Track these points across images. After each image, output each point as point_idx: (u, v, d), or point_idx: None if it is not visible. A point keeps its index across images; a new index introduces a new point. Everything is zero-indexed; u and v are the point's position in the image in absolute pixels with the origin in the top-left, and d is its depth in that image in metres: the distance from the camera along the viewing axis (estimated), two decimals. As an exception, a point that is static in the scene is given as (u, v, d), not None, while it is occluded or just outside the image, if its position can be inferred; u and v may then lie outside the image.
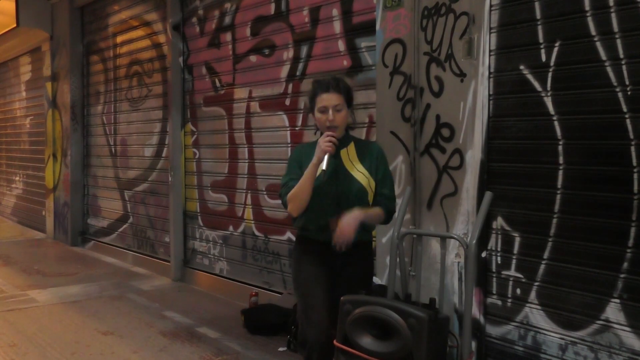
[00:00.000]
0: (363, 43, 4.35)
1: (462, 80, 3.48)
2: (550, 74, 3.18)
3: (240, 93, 5.61)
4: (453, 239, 3.36)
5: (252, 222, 5.49)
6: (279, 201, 5.08)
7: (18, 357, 4.03)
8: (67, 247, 8.57)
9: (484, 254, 3.49)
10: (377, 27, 3.98)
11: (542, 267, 3.25)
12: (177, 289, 6.04)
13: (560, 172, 3.17)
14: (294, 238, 4.99)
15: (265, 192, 5.34)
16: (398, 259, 3.20)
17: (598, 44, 2.99)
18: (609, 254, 2.98)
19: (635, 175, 2.89)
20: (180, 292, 5.91)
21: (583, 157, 3.08)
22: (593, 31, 3.01)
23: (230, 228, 5.76)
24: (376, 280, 3.78)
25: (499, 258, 3.46)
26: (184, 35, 6.34)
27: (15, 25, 8.71)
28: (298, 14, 4.93)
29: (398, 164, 3.83)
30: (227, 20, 5.72)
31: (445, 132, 3.57)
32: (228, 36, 5.71)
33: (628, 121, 2.90)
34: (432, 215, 3.66)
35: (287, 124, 5.08)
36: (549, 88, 3.19)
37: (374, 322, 2.82)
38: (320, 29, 4.74)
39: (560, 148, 3.16)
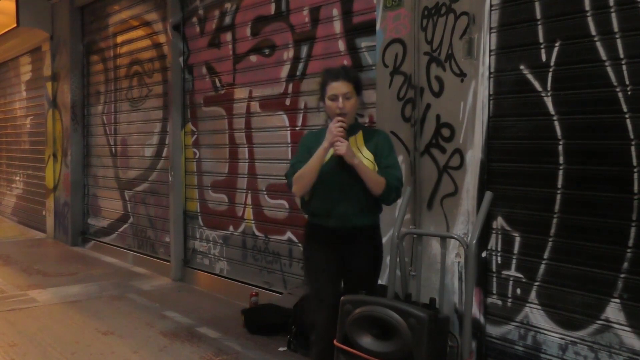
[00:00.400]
0: (363, 43, 4.35)
1: (462, 80, 3.48)
2: (550, 74, 3.18)
3: (240, 93, 5.61)
4: (453, 239, 3.36)
5: (253, 222, 5.49)
6: (279, 201, 5.18)
7: (18, 357, 4.03)
8: (67, 247, 8.58)
9: (484, 254, 3.49)
10: (377, 27, 3.98)
11: (542, 267, 3.26)
12: (177, 289, 6.04)
13: (560, 172, 3.17)
14: (294, 238, 5.01)
15: (265, 192, 5.34)
16: (398, 259, 3.21)
17: (598, 44, 2.99)
18: (609, 254, 2.98)
19: (635, 175, 2.89)
20: (181, 292, 5.91)
21: (583, 157, 3.08)
22: (593, 31, 3.01)
23: (231, 228, 5.76)
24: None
25: (499, 258, 3.46)
26: (184, 35, 6.34)
27: (15, 25, 8.71)
28: (298, 14, 4.93)
29: (398, 164, 3.83)
30: (228, 20, 5.72)
31: (446, 132, 3.57)
32: (228, 36, 5.71)
33: (628, 121, 2.90)
34: (432, 215, 3.66)
35: (287, 124, 5.08)
36: (549, 88, 3.20)
37: (374, 322, 2.82)
38: (320, 29, 4.74)
39: (560, 148, 3.16)
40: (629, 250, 2.91)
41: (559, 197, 3.18)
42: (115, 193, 7.90)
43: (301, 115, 4.95)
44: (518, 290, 3.37)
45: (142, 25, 7.22)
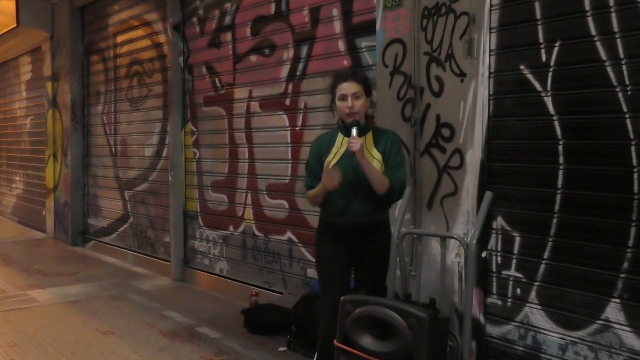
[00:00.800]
0: (363, 43, 4.35)
1: (462, 80, 3.48)
2: (550, 74, 3.18)
3: (240, 93, 5.61)
4: (453, 239, 3.37)
5: (252, 222, 5.49)
6: (279, 201, 5.18)
7: (18, 356, 4.03)
8: (67, 247, 8.58)
9: (484, 254, 3.49)
10: (377, 27, 3.98)
11: (542, 267, 3.26)
12: (177, 289, 6.04)
13: (560, 172, 3.17)
14: (294, 238, 5.01)
15: (265, 192, 5.34)
16: (398, 259, 3.21)
17: (598, 44, 2.99)
18: (609, 254, 2.98)
19: (635, 175, 2.89)
20: (181, 292, 5.91)
21: (583, 157, 3.08)
22: (593, 31, 3.01)
23: (231, 228, 5.76)
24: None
25: (499, 258, 3.46)
26: (184, 35, 6.34)
27: (15, 25, 8.71)
28: (298, 13, 4.93)
29: (398, 164, 3.83)
30: (227, 20, 5.72)
31: (446, 132, 3.57)
32: (228, 36, 5.71)
33: (628, 121, 2.90)
34: (432, 215, 3.66)
35: (287, 123, 5.08)
36: (549, 88, 3.20)
37: (374, 322, 2.82)
38: (320, 29, 4.74)
39: (560, 148, 3.16)
40: (629, 250, 2.91)
41: (559, 197, 3.18)
42: (115, 193, 7.90)
43: (301, 115, 4.95)
44: (518, 290, 3.37)
45: (142, 25, 7.22)
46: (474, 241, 2.87)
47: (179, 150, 6.39)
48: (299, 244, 4.97)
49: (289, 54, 5.04)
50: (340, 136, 3.20)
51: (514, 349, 3.38)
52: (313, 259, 4.79)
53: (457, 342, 3.00)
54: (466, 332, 2.90)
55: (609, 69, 2.96)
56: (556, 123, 3.18)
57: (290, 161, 5.05)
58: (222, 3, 5.78)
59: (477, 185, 3.45)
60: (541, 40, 3.22)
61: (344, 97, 3.07)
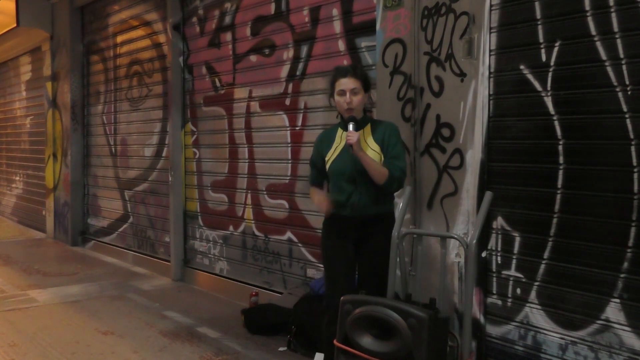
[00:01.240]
0: (363, 43, 4.35)
1: (462, 80, 3.48)
2: (550, 74, 3.18)
3: (240, 93, 5.61)
4: (453, 239, 3.37)
5: (252, 222, 5.49)
6: (279, 201, 5.18)
7: (18, 356, 4.03)
8: (67, 246, 8.58)
9: (484, 254, 3.49)
10: (377, 26, 3.98)
11: (542, 267, 3.26)
12: (177, 289, 6.04)
13: (560, 172, 3.17)
14: (294, 238, 5.01)
15: (265, 192, 5.34)
16: (398, 259, 3.21)
17: (598, 44, 2.99)
18: (609, 254, 2.98)
19: (635, 175, 2.89)
20: (181, 292, 5.91)
21: (583, 157, 3.08)
22: (593, 31, 3.01)
23: (231, 228, 5.76)
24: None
25: (499, 258, 3.46)
26: (184, 35, 6.34)
27: (15, 25, 8.71)
28: (298, 13, 4.93)
29: (398, 164, 3.83)
30: (227, 20, 5.72)
31: (446, 132, 3.57)
32: (228, 36, 5.71)
33: (628, 121, 2.90)
34: (432, 215, 3.66)
35: (287, 123, 5.08)
36: (549, 88, 3.19)
37: (374, 321, 2.82)
38: (320, 29, 4.74)
39: (560, 148, 3.16)
40: (629, 250, 2.91)
41: (559, 197, 3.18)
42: (115, 193, 7.90)
43: (301, 115, 4.95)
44: (518, 290, 3.37)
45: (142, 25, 7.22)
46: (474, 241, 2.87)
47: (179, 150, 6.39)
48: (299, 244, 4.97)
49: (289, 53, 5.04)
50: (339, 131, 3.26)
51: (514, 349, 3.38)
52: (313, 259, 4.81)
53: (457, 342, 3.00)
54: (466, 332, 2.91)
55: (609, 69, 2.96)
56: (556, 123, 3.18)
57: (290, 161, 5.05)
58: (222, 3, 5.78)
59: (477, 185, 3.45)
60: (541, 40, 3.22)
61: (342, 93, 3.13)
